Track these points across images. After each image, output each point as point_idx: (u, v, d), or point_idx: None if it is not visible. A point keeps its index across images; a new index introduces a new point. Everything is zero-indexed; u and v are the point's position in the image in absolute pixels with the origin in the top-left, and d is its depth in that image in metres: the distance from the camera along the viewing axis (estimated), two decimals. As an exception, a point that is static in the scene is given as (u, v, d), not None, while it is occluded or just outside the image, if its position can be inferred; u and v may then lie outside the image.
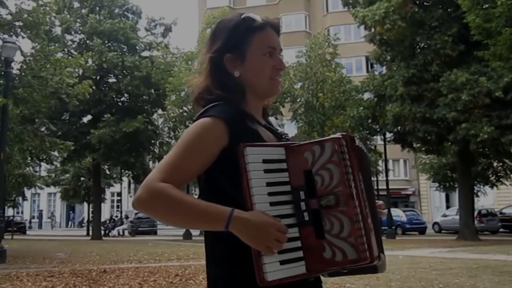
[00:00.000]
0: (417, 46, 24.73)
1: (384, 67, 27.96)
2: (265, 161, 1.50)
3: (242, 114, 1.66)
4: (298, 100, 30.33)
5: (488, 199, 38.59)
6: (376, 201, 1.74)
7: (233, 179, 1.52)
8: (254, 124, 1.67)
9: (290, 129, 32.08)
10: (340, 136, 1.52)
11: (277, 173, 1.52)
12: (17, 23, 16.62)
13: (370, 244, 1.47)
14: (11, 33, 16.51)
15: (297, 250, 1.48)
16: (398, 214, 32.74)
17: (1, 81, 16.68)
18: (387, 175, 28.91)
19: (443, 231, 32.73)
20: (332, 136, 1.53)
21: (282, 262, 1.44)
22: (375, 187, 30.93)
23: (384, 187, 28.53)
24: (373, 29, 24.74)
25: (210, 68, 1.73)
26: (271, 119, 1.86)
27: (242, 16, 1.74)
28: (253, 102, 1.74)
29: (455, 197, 35.19)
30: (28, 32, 16.76)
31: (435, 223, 34.75)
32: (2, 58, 15.26)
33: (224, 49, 1.71)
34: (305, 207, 1.50)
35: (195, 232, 28.37)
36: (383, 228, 27.21)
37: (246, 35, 1.71)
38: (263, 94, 1.77)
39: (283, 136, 1.78)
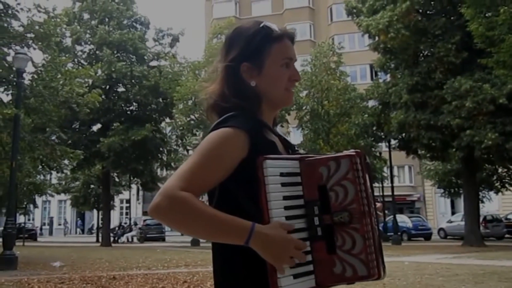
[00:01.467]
0: (421, 54, 24.91)
1: (388, 75, 28.11)
2: (282, 175, 1.49)
3: (261, 124, 1.64)
4: (304, 108, 30.52)
5: (493, 205, 38.62)
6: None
7: (248, 191, 1.51)
8: (270, 135, 1.65)
9: (296, 137, 32.31)
10: (355, 153, 1.52)
11: (292, 186, 1.51)
12: (28, 35, 16.73)
13: (379, 260, 1.50)
14: (23, 45, 16.65)
15: (308, 264, 1.49)
16: (404, 220, 32.81)
17: (13, 91, 16.80)
18: (392, 182, 28.86)
19: (448, 237, 32.68)
20: (346, 152, 1.53)
21: (295, 276, 1.44)
22: (381, 194, 31.15)
23: (390, 193, 28.54)
24: (377, 38, 25.06)
25: (226, 76, 1.70)
26: (277, 129, 1.85)
27: (261, 25, 1.72)
28: (267, 112, 1.73)
29: (460, 203, 35.06)
30: (40, 43, 16.88)
31: (441, 229, 34.67)
32: (14, 69, 15.39)
33: (241, 58, 1.68)
34: (318, 222, 1.50)
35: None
36: (388, 234, 27.40)
37: (264, 45, 1.69)
38: (277, 104, 1.76)
39: (295, 147, 1.78)
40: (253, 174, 1.47)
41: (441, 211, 47.16)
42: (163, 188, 1.45)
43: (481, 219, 27.44)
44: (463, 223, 26.48)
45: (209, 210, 1.46)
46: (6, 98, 18.22)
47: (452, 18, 23.46)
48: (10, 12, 16.30)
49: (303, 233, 1.49)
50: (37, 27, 16.49)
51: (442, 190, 37.61)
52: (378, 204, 1.71)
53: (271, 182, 1.46)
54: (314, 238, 1.50)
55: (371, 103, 29.90)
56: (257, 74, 1.68)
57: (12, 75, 16.45)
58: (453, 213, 42.93)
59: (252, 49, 1.68)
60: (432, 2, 24.44)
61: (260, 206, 1.45)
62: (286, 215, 1.47)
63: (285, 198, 1.48)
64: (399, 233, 28.03)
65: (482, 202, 32.42)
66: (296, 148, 1.78)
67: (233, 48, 1.71)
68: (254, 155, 1.49)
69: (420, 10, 24.18)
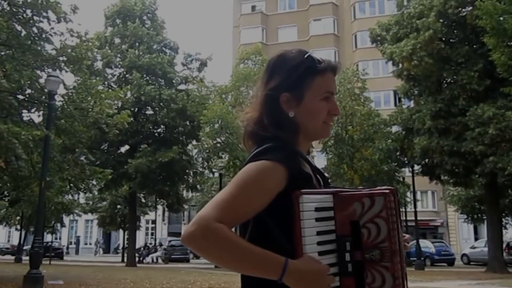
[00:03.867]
0: (444, 81, 24.95)
1: (412, 101, 28.24)
2: (317, 210, 1.49)
3: (299, 157, 1.64)
4: None
5: (517, 231, 38.07)
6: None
7: (282, 224, 1.51)
8: (306, 167, 1.65)
9: (320, 161, 32.33)
10: (388, 191, 1.51)
11: (326, 221, 1.52)
12: (61, 58, 16.75)
13: None
14: (55, 68, 16.70)
15: None
16: (427, 245, 32.53)
17: (45, 111, 16.65)
18: (415, 206, 28.68)
19: (471, 263, 32.26)
20: (380, 190, 1.53)
21: None
22: (404, 218, 31.00)
23: (413, 218, 28.47)
24: (400, 65, 25.21)
25: (264, 104, 1.69)
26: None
27: (305, 56, 1.70)
28: (303, 142, 1.73)
29: (484, 229, 34.70)
30: (71, 66, 16.87)
31: (464, 254, 34.30)
32: (46, 91, 15.41)
33: (281, 88, 1.67)
34: (349, 258, 1.50)
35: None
36: (411, 259, 27.25)
37: (306, 77, 1.67)
38: (314, 136, 1.75)
39: (328, 179, 1.78)
40: (288, 207, 1.47)
41: (464, 237, 46.53)
42: (199, 217, 1.44)
43: (504, 245, 27.13)
44: (486, 249, 26.31)
45: (243, 244, 1.44)
46: (38, 119, 18.27)
47: (474, 46, 23.62)
48: (44, 36, 16.49)
49: (333, 268, 1.48)
50: (69, 51, 16.50)
51: (465, 216, 37.28)
52: (406, 236, 1.73)
53: (306, 217, 1.46)
54: (344, 273, 1.50)
55: (394, 128, 30.03)
56: (296, 105, 1.67)
57: (44, 97, 16.37)
58: (476, 239, 42.44)
59: (294, 80, 1.67)
60: (455, 31, 24.70)
61: (294, 240, 1.45)
62: (318, 251, 1.47)
63: (319, 233, 1.48)
64: (422, 258, 27.79)
65: (505, 228, 32.00)
66: (328, 180, 1.79)
67: (275, 76, 1.70)
68: (291, 189, 1.49)
69: (443, 38, 24.31)
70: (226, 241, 1.41)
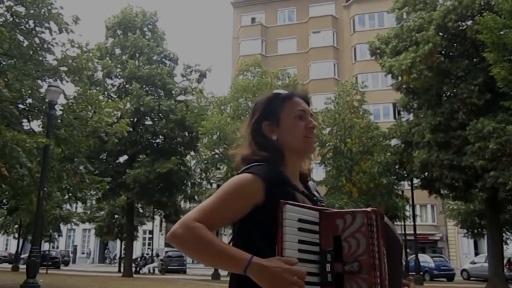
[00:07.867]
0: (444, 95, 24.82)
1: (411, 115, 28.12)
2: (300, 220, 1.61)
3: (282, 177, 1.83)
4: (327, 145, 30.31)
5: (517, 247, 37.89)
6: (410, 277, 1.95)
7: (263, 232, 1.70)
8: (291, 188, 1.82)
9: (319, 173, 32.36)
10: (371, 210, 1.62)
11: (309, 233, 1.63)
12: (62, 68, 16.77)
13: None
14: (56, 78, 16.67)
15: None
16: (426, 259, 32.49)
17: (44, 120, 16.80)
18: (414, 221, 28.61)
19: (471, 279, 32.09)
20: (363, 209, 1.63)
21: None
22: (403, 232, 30.84)
23: (412, 232, 28.34)
24: (400, 78, 25.12)
25: (252, 137, 1.97)
26: (310, 183, 2.06)
27: (274, 92, 2.04)
28: (292, 162, 1.93)
29: (484, 243, 34.53)
30: (72, 76, 16.93)
31: (464, 270, 34.11)
32: (46, 101, 15.47)
33: (261, 119, 1.97)
34: (330, 269, 1.60)
35: (223, 273, 28.32)
36: (410, 273, 27.12)
37: (278, 104, 1.97)
38: (299, 151, 1.96)
39: (319, 202, 1.94)
40: (268, 217, 1.64)
41: (464, 252, 46.28)
42: (182, 218, 1.69)
43: (505, 261, 26.90)
44: (486, 264, 26.06)
45: (215, 240, 1.64)
46: (37, 128, 18.38)
47: (474, 60, 23.53)
48: (45, 46, 16.52)
49: (315, 277, 1.59)
50: (70, 61, 16.58)
51: (465, 230, 36.96)
52: (409, 280, 1.91)
53: (288, 225, 1.58)
54: (324, 283, 1.59)
55: (393, 141, 29.77)
56: (276, 128, 1.94)
57: (44, 106, 16.41)
58: (476, 254, 42.27)
59: (269, 109, 1.98)
60: (454, 44, 24.65)
61: (276, 246, 1.58)
62: (299, 257, 1.57)
63: (300, 242, 1.59)
64: (421, 273, 27.65)
65: (506, 243, 31.71)
66: (318, 201, 1.96)
67: (255, 113, 2.01)
68: (271, 201, 1.67)
69: (443, 52, 24.23)
70: (201, 237, 1.63)
